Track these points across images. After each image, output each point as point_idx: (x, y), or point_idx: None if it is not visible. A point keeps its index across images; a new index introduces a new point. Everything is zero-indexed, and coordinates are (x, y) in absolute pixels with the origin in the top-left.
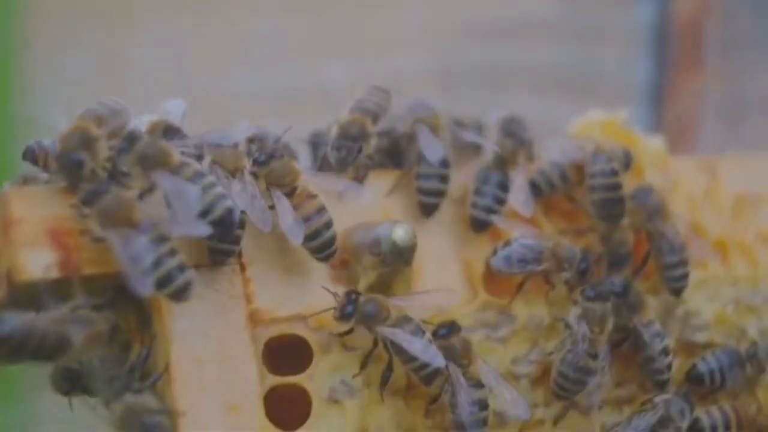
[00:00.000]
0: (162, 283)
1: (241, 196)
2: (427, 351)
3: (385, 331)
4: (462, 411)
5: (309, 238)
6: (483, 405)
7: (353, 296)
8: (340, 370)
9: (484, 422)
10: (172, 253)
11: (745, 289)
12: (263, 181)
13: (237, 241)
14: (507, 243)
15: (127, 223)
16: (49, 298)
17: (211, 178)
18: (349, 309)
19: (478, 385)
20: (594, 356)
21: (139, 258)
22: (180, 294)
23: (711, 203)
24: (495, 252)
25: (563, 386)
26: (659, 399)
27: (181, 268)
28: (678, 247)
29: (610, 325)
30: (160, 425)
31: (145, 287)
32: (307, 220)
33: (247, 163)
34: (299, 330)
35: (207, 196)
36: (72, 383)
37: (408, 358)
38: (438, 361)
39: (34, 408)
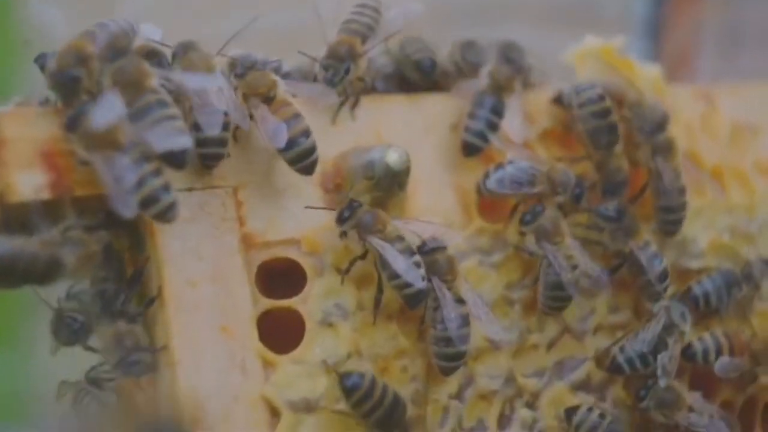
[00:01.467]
0: (146, 203)
1: (219, 96)
2: (409, 270)
3: (375, 241)
4: (450, 324)
5: (286, 147)
6: (466, 321)
7: (355, 204)
8: (334, 293)
9: (467, 339)
10: (156, 173)
11: (741, 217)
12: (240, 93)
13: (222, 143)
14: (500, 165)
15: (111, 145)
16: (41, 220)
17: (175, 110)
18: (346, 213)
19: (461, 301)
20: (574, 267)
21: (122, 178)
22: (165, 214)
23: (708, 132)
24: (487, 175)
25: (553, 306)
26: (658, 307)
27: (166, 188)
28: (674, 192)
29: (564, 226)
30: (140, 362)
31: (128, 208)
32: None
33: (220, 65)
34: (292, 254)
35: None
36: (76, 334)
37: (391, 274)
38: (419, 282)
39: (27, 354)
